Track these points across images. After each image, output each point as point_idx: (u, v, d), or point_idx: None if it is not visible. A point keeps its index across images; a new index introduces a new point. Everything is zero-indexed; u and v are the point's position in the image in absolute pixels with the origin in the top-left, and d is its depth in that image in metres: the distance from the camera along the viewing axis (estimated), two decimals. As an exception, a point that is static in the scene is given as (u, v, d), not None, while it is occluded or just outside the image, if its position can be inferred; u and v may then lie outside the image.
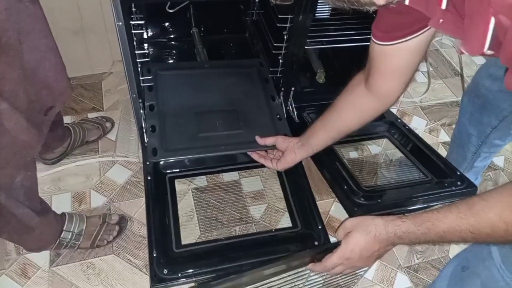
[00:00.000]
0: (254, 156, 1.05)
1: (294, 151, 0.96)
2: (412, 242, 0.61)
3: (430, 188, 1.04)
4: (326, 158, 1.10)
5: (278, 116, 1.13)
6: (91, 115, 1.41)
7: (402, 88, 0.76)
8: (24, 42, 0.75)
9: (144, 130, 1.12)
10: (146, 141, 1.12)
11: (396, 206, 0.99)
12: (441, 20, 0.52)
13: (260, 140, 1.03)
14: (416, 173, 1.14)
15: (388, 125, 1.26)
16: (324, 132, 0.90)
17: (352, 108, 0.84)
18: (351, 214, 0.97)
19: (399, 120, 1.26)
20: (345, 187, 1.02)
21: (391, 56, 0.70)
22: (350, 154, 1.36)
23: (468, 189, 1.02)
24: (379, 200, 0.99)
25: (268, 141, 1.02)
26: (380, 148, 1.37)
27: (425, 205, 1.01)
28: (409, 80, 0.74)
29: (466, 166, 1.16)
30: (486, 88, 0.98)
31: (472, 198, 0.55)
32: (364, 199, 0.98)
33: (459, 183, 1.04)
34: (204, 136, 1.06)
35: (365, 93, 0.79)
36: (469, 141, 1.10)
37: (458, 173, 1.06)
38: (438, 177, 1.09)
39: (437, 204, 1.01)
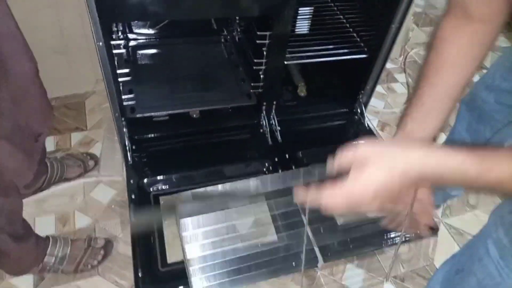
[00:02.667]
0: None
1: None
2: (452, 184, 0.47)
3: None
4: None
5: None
6: (74, 135, 1.40)
7: (505, 6, 0.62)
8: (12, 67, 0.75)
9: (127, 148, 1.12)
10: (129, 157, 1.12)
11: (365, 246, 1.06)
12: None
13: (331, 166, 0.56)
14: None
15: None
16: (441, 104, 0.66)
17: (463, 49, 0.66)
18: (325, 260, 1.00)
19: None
20: (321, 231, 1.05)
21: None
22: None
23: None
24: (351, 246, 1.03)
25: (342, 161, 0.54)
26: None
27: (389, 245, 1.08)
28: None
29: None
30: (482, 99, 0.97)
31: None
32: (337, 245, 1.03)
33: None
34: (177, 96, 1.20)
35: (468, 26, 0.65)
36: None
37: None
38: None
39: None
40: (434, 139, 0.66)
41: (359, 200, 0.48)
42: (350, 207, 0.49)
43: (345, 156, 0.51)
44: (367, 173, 0.48)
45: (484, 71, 1.01)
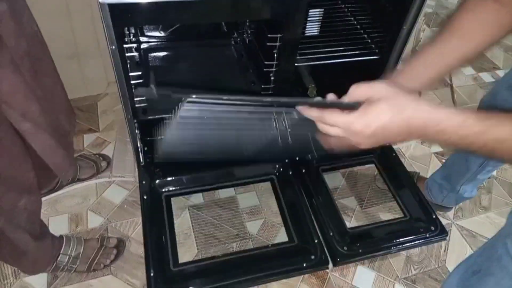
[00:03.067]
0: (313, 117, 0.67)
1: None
2: (449, 144, 0.49)
3: (405, 232, 1.10)
4: (314, 191, 1.15)
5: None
6: (87, 137, 1.43)
7: None
8: (40, 67, 0.77)
9: (139, 149, 1.14)
10: (141, 158, 1.14)
11: (376, 251, 1.07)
12: None
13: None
14: (395, 208, 1.21)
15: (376, 149, 1.30)
16: (442, 63, 0.69)
17: (485, 27, 0.67)
18: (335, 263, 1.02)
19: (387, 144, 1.29)
20: (331, 233, 1.06)
21: None
22: (337, 181, 1.35)
23: (439, 236, 1.08)
24: (360, 251, 1.04)
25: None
26: (366, 177, 1.37)
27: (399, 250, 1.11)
28: None
29: (468, 177, 1.16)
30: (504, 98, 0.97)
31: None
32: (347, 249, 1.03)
33: (432, 228, 1.09)
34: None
35: (496, 7, 0.65)
36: None
37: (434, 216, 1.11)
38: (415, 217, 1.15)
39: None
40: (420, 93, 0.68)
41: (358, 132, 0.50)
42: (347, 136, 0.51)
43: (360, 89, 0.52)
44: (377, 108, 0.49)
45: (498, 71, 1.00)
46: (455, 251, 1.26)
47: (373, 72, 1.26)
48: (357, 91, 0.52)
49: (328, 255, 1.01)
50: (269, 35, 1.05)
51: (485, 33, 0.67)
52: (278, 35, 1.03)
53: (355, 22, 1.31)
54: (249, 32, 1.38)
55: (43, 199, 1.21)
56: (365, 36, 1.28)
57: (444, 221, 1.24)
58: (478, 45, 0.67)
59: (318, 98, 0.53)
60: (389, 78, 0.71)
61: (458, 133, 0.47)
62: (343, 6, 1.33)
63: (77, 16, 1.31)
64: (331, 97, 0.55)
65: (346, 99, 0.52)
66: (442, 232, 1.08)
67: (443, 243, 1.27)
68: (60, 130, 0.86)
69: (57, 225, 1.18)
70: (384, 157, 1.28)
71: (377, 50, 1.22)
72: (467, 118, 0.47)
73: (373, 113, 0.49)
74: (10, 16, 0.69)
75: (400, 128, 0.49)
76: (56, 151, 0.80)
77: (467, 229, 1.32)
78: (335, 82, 1.02)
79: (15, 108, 0.71)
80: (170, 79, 1.30)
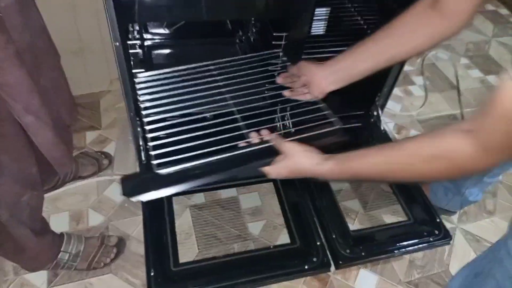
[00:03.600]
0: (280, 80, 0.94)
1: (322, 83, 0.84)
2: (335, 179, 0.71)
3: (408, 235, 1.08)
4: (317, 193, 1.14)
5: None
6: (89, 134, 1.42)
7: (475, 9, 0.70)
8: (44, 61, 0.77)
9: (141, 147, 1.13)
10: (143, 156, 1.12)
11: (379, 254, 1.06)
12: None
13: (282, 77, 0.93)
14: (398, 211, 1.19)
15: None
16: (373, 59, 0.80)
17: (418, 32, 0.75)
18: (337, 266, 1.01)
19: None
20: (333, 236, 1.04)
21: None
22: (340, 183, 1.30)
23: (443, 240, 1.06)
24: (363, 254, 1.03)
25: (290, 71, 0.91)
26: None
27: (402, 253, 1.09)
28: (479, 2, 0.69)
29: (474, 180, 1.14)
30: None
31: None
32: (350, 251, 1.02)
33: (436, 231, 1.08)
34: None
35: (434, 15, 0.72)
36: None
37: (438, 219, 1.10)
38: (419, 221, 1.13)
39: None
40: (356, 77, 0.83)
41: (275, 177, 0.76)
42: (272, 177, 0.77)
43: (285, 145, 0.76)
44: (282, 166, 0.75)
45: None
46: (459, 255, 1.24)
47: (379, 72, 1.25)
48: (280, 145, 0.76)
49: (330, 257, 1.00)
50: (274, 34, 1.04)
51: (417, 40, 0.75)
52: (284, 34, 1.02)
53: (362, 22, 1.30)
54: (254, 30, 1.37)
55: (44, 196, 1.21)
56: (372, 36, 1.26)
57: (448, 225, 1.23)
58: (408, 50, 0.77)
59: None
60: (327, 63, 0.84)
61: (330, 177, 0.70)
62: (350, 5, 1.32)
63: (82, 12, 1.31)
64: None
65: (275, 142, 0.77)
66: (446, 236, 1.07)
67: (447, 247, 1.25)
68: (61, 124, 0.86)
69: (58, 223, 1.17)
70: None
71: (383, 51, 1.21)
72: (332, 166, 0.69)
73: (278, 168, 0.75)
74: (17, 10, 0.68)
75: (296, 175, 0.74)
76: (57, 145, 0.80)
77: (472, 233, 1.30)
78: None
79: (19, 101, 0.71)
80: (175, 78, 1.29)
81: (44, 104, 0.75)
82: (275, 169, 0.76)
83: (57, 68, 0.84)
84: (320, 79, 0.84)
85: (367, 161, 0.66)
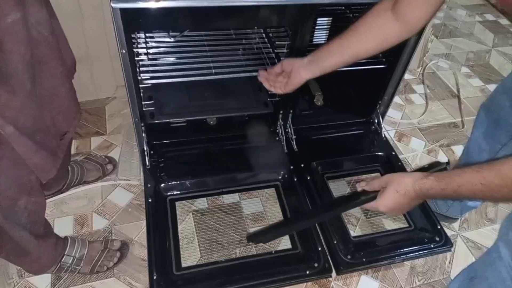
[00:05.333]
0: (261, 77, 1.02)
1: (300, 71, 0.92)
2: (435, 197, 0.71)
3: (410, 242, 1.10)
4: (319, 199, 1.16)
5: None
6: (94, 139, 1.44)
7: (429, 17, 0.77)
8: (42, 71, 0.78)
9: (145, 153, 1.14)
10: (147, 162, 1.14)
11: (380, 260, 1.07)
12: None
13: (262, 73, 1.01)
14: (399, 217, 1.21)
15: (382, 158, 1.29)
16: (339, 54, 0.87)
17: (376, 32, 0.82)
18: (338, 272, 1.03)
19: (394, 153, 1.29)
20: (335, 242, 1.06)
21: None
22: (341, 189, 1.33)
23: (444, 247, 1.08)
24: (364, 260, 1.04)
25: (274, 69, 0.98)
26: None
27: (403, 260, 1.12)
28: (436, 10, 0.76)
29: None
30: (499, 103, 0.97)
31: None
32: (351, 257, 1.03)
33: (437, 238, 1.09)
34: (195, 103, 1.26)
35: (391, 18, 0.79)
36: (479, 158, 1.07)
37: (439, 226, 1.11)
38: (420, 227, 1.14)
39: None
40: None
41: (383, 210, 0.79)
42: (382, 211, 0.79)
43: (374, 182, 0.81)
44: (385, 195, 0.77)
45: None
46: (460, 262, 1.25)
47: (379, 81, 1.27)
48: (374, 184, 0.81)
49: (331, 263, 1.01)
50: (277, 42, 1.06)
51: (375, 40, 0.83)
52: (286, 43, 1.04)
53: (363, 31, 1.32)
54: (257, 39, 1.39)
55: (49, 200, 1.23)
56: (373, 45, 1.28)
57: (449, 233, 1.23)
58: (368, 49, 0.85)
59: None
60: (306, 56, 0.91)
61: (436, 195, 0.70)
62: (351, 15, 1.34)
63: (89, 20, 1.33)
64: (361, 184, 0.84)
65: (376, 184, 0.81)
66: (447, 243, 1.08)
67: (448, 254, 1.26)
68: (51, 131, 0.87)
69: (62, 226, 1.19)
70: (390, 165, 1.28)
71: (384, 59, 1.23)
72: (432, 183, 0.69)
73: (384, 197, 0.77)
74: (22, 25, 0.69)
75: (408, 199, 0.74)
76: (36, 152, 0.80)
77: (473, 241, 1.31)
78: (341, 90, 1.03)
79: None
80: (177, 83, 1.32)
81: (28, 113, 0.76)
82: (381, 201, 0.78)
83: (57, 78, 0.85)
84: (299, 68, 0.92)
85: (465, 180, 0.65)
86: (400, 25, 0.79)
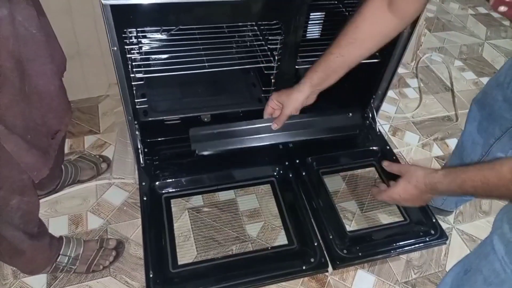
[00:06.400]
0: (267, 111, 1.08)
1: (299, 103, 1.01)
2: (443, 192, 0.78)
3: (405, 236, 1.10)
4: (315, 194, 1.15)
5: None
6: (88, 138, 1.43)
7: (423, 7, 0.82)
8: (30, 68, 0.77)
9: (139, 151, 1.14)
10: (141, 160, 1.14)
11: (376, 254, 1.07)
12: None
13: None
14: (395, 211, 1.21)
15: (377, 153, 1.29)
16: (345, 67, 0.92)
17: (378, 36, 0.86)
18: (335, 267, 1.02)
19: (388, 147, 1.29)
20: (331, 236, 1.05)
21: None
22: (337, 184, 1.33)
23: (439, 240, 1.08)
24: (360, 254, 1.04)
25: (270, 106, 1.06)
26: (366, 180, 1.36)
27: (399, 253, 1.13)
28: (424, 4, 0.80)
29: None
30: (492, 97, 0.97)
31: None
32: (347, 252, 1.03)
33: (432, 231, 1.09)
34: (189, 100, 1.26)
35: (390, 16, 0.82)
36: (473, 151, 1.07)
37: (434, 219, 1.11)
38: (415, 221, 1.14)
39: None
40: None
41: (396, 198, 0.87)
42: (392, 201, 0.89)
43: (394, 167, 0.92)
44: (398, 184, 0.85)
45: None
46: (455, 255, 1.25)
47: (373, 75, 1.27)
48: (393, 166, 0.92)
49: (327, 258, 1.01)
50: (270, 38, 1.06)
51: (375, 41, 0.87)
52: (279, 38, 1.04)
53: (356, 26, 1.31)
54: (250, 34, 1.38)
55: (43, 200, 1.22)
56: (366, 39, 1.28)
57: (444, 226, 1.24)
58: (372, 50, 0.88)
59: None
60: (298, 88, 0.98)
61: (444, 189, 0.76)
62: (344, 9, 1.34)
63: (79, 16, 1.32)
64: (385, 164, 0.96)
65: (389, 167, 0.94)
66: (442, 236, 1.08)
67: (444, 247, 1.27)
68: (42, 129, 0.86)
69: (57, 226, 1.18)
70: (384, 160, 1.28)
71: (377, 54, 1.22)
72: (439, 177, 0.76)
73: (397, 186, 0.85)
74: (9, 21, 0.68)
75: (417, 190, 0.81)
76: (28, 151, 0.80)
77: (468, 233, 1.32)
78: (335, 84, 1.02)
79: None
80: (171, 80, 1.31)
81: (17, 111, 0.75)
82: (395, 189, 0.85)
83: (46, 76, 0.84)
84: (295, 103, 1.00)
85: (468, 176, 0.69)
86: (398, 20, 0.82)
